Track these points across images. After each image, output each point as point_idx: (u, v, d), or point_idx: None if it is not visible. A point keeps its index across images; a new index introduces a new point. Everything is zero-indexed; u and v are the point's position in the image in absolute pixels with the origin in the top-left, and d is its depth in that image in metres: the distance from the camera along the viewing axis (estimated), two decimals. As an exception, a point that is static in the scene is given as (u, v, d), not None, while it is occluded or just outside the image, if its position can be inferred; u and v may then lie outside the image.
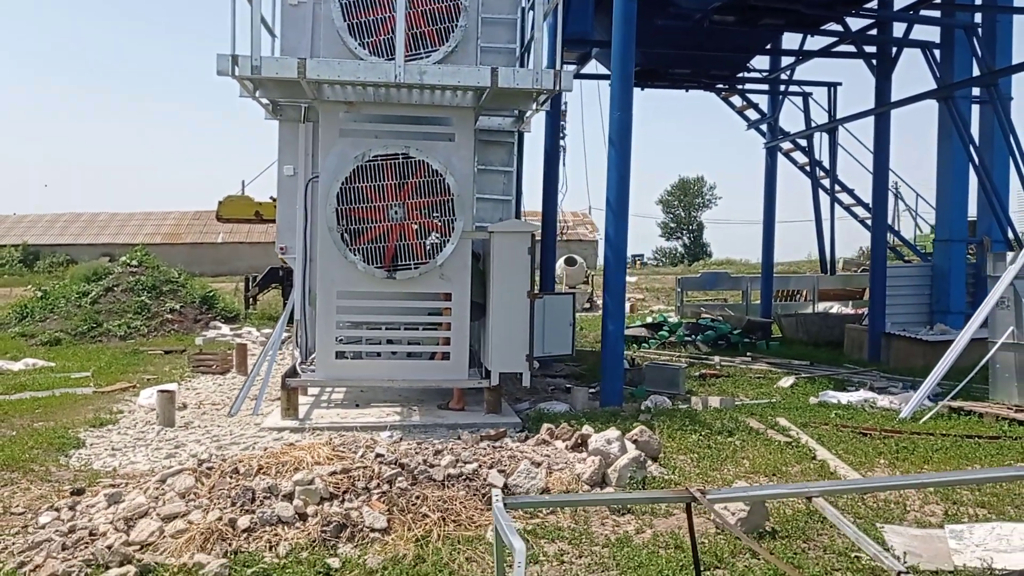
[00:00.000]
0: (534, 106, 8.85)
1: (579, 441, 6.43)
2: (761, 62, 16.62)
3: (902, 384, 10.37)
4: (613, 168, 9.04)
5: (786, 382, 10.82)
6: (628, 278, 38.85)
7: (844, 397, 9.28)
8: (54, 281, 22.71)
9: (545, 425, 6.95)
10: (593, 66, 15.91)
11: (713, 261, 58.30)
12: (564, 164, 17.56)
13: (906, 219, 30.40)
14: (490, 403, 8.76)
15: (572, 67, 15.46)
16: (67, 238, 42.26)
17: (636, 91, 15.96)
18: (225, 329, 17.65)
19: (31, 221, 44.83)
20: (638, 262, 63.65)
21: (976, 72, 12.66)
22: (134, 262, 19.01)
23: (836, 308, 18.70)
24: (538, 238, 11.62)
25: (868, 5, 11.68)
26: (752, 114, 17.42)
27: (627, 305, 24.94)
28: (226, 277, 33.75)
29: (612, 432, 6.26)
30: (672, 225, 76.29)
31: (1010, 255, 8.50)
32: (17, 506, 5.61)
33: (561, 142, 17.51)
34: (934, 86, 12.85)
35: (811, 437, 7.19)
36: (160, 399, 8.44)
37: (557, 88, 7.73)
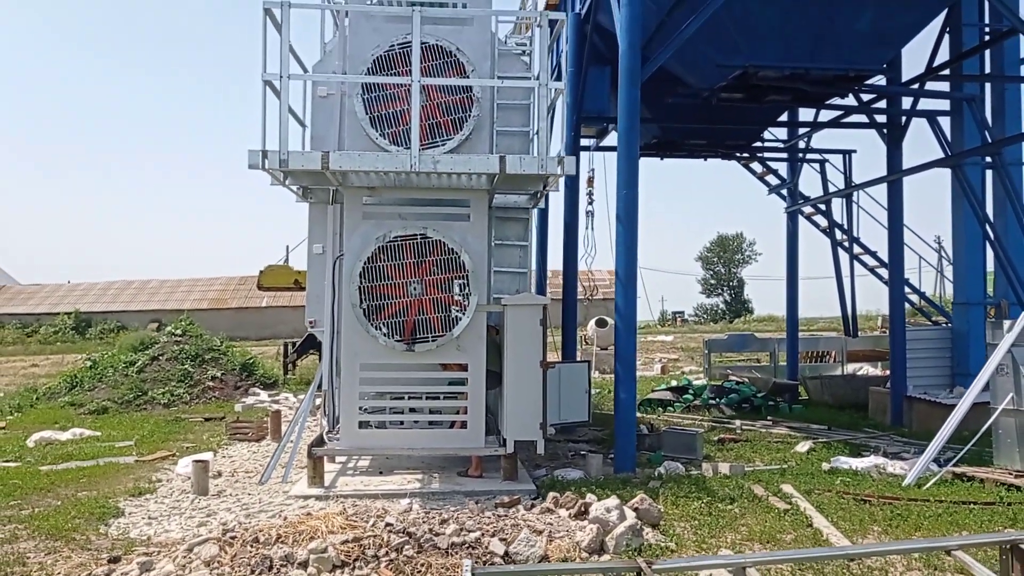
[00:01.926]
0: (543, 187, 9.37)
1: (582, 509, 6.76)
2: (779, 129, 17.07)
3: (914, 449, 10.49)
4: (621, 242, 9.49)
5: (803, 447, 11.00)
6: (664, 337, 39.04)
7: (856, 463, 9.44)
8: (105, 348, 23.68)
9: (551, 494, 7.30)
10: (614, 138, 16.48)
11: (755, 318, 57.99)
12: (592, 228, 18.35)
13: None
14: (506, 470, 9.09)
15: (592, 140, 16.06)
16: (118, 305, 43.74)
17: (655, 160, 16.61)
18: (264, 395, 18.27)
19: (84, 289, 46.52)
20: (678, 319, 63.60)
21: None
22: (179, 331, 19.83)
23: (865, 369, 18.73)
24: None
25: (870, 81, 12.09)
26: (773, 180, 17.83)
27: (658, 366, 25.18)
28: (269, 341, 34.75)
29: (611, 501, 6.59)
30: (712, 282, 76.18)
31: (1007, 323, 8.72)
32: (58, 573, 6.10)
33: (589, 207, 18.23)
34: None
35: (812, 504, 7.42)
36: (195, 469, 8.95)
37: (561, 173, 8.26)
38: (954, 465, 8.56)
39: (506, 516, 6.65)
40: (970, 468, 8.49)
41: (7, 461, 10.90)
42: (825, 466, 9.55)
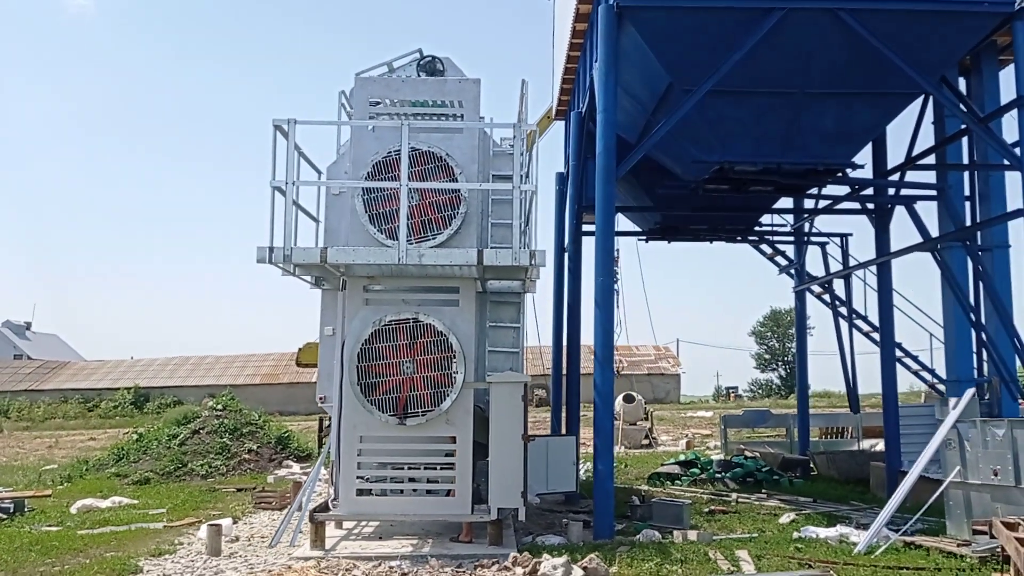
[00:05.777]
0: (526, 275, 10.32)
1: (534, 568, 7.50)
2: (785, 206, 17.83)
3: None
4: (599, 325, 10.36)
5: (785, 518, 11.49)
6: (703, 412, 39.09)
7: (823, 532, 9.95)
8: (160, 423, 25.00)
9: (512, 554, 8.05)
10: (620, 220, 17.41)
11: (810, 393, 57.39)
12: (619, 306, 19.42)
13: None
14: (492, 535, 9.79)
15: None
16: (176, 380, 45.61)
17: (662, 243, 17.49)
18: (296, 468, 19.23)
19: (144, 364, 48.67)
20: (732, 394, 63.19)
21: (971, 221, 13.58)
22: (220, 406, 21.03)
23: (879, 445, 18.90)
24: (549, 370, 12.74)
25: (856, 172, 12.81)
26: (782, 260, 18.53)
27: (683, 441, 25.53)
28: (319, 415, 35.88)
29: (559, 560, 7.33)
30: (767, 357, 75.52)
31: (952, 400, 9.27)
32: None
33: (616, 286, 19.21)
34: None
35: (757, 568, 8.02)
36: (208, 532, 9.90)
37: (534, 265, 9.25)
38: (907, 534, 9.04)
39: (464, 574, 7.42)
40: (920, 537, 8.98)
41: (50, 525, 11.99)
42: (795, 535, 10.06)
